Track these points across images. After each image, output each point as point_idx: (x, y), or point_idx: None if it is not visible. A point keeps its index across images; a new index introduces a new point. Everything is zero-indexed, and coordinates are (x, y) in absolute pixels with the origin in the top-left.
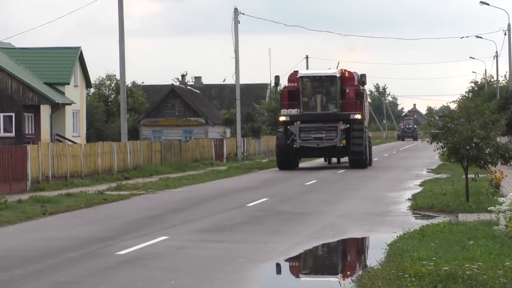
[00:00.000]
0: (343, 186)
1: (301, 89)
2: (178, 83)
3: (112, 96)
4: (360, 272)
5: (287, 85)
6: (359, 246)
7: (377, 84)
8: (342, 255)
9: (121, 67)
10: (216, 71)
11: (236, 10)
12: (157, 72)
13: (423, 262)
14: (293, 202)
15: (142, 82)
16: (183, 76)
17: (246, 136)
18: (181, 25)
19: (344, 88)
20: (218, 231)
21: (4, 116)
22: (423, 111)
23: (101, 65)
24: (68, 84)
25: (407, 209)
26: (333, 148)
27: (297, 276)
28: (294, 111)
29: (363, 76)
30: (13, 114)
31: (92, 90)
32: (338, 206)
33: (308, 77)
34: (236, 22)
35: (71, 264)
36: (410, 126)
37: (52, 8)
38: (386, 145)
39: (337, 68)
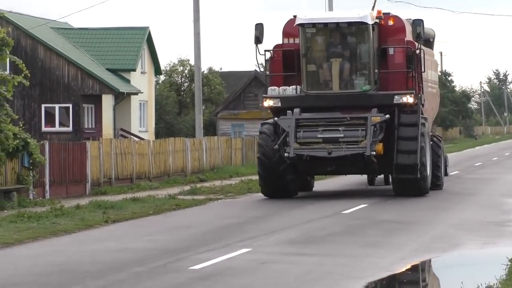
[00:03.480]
0: (455, 190)
1: (303, 49)
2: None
3: (185, 84)
4: None
5: (281, 42)
6: (475, 261)
7: (497, 70)
8: (455, 271)
9: (196, 50)
10: None
11: None
12: (238, 56)
13: None
14: (397, 209)
15: (220, 68)
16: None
17: None
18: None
19: (385, 47)
20: (309, 243)
21: (60, 107)
22: None
23: (172, 48)
24: (134, 70)
25: None
26: (358, 158)
27: None
28: (290, 90)
29: (418, 23)
30: (70, 105)
31: (162, 77)
32: (450, 213)
33: (315, 25)
34: None
35: (137, 281)
36: None
37: None
38: (507, 142)
39: (372, 9)
